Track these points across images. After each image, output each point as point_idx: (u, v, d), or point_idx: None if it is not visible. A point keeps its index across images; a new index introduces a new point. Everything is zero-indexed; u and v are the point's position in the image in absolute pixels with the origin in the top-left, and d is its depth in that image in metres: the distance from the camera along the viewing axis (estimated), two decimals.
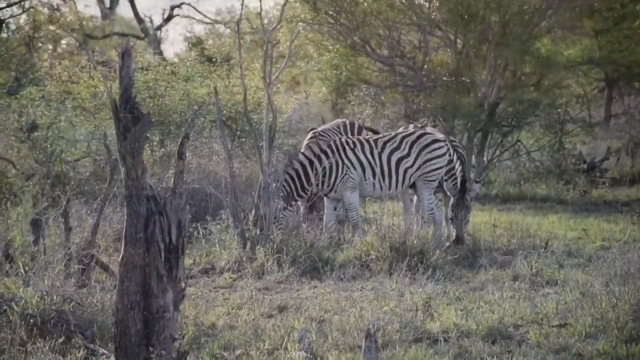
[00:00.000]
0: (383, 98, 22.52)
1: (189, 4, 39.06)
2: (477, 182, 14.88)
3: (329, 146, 14.54)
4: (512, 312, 10.24)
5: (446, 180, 14.61)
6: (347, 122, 15.81)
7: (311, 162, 14.47)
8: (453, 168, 14.79)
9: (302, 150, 14.83)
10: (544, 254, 13.12)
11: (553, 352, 9.05)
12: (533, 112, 21.99)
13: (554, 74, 21.86)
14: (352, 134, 15.56)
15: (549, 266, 12.45)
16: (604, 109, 32.77)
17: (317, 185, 14.47)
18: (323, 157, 14.46)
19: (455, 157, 14.79)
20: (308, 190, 14.54)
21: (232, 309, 10.56)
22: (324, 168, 14.51)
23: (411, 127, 15.71)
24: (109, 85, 9.33)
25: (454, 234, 14.45)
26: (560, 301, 10.55)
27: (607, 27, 25.62)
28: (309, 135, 15.53)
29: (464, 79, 22.01)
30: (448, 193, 14.63)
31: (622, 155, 25.54)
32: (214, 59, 17.39)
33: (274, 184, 13.51)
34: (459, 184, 14.63)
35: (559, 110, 22.91)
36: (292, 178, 14.35)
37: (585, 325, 9.56)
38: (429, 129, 15.56)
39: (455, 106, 20.95)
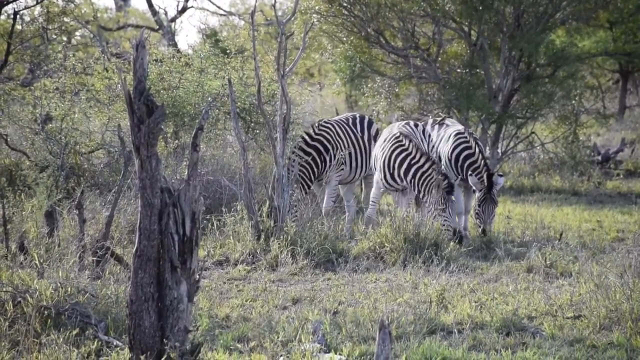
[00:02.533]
0: (397, 90, 22.48)
1: None
2: (500, 175, 14.75)
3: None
4: (526, 304, 10.23)
5: (471, 174, 14.48)
6: (357, 115, 15.77)
7: (327, 150, 14.67)
8: (476, 162, 14.62)
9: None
10: (558, 246, 13.11)
11: (567, 343, 9.04)
12: (547, 104, 21.94)
13: (569, 65, 21.81)
14: (362, 128, 15.49)
15: (563, 258, 12.43)
16: (618, 100, 32.73)
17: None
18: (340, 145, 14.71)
19: (477, 150, 14.64)
20: (321, 179, 14.67)
21: (246, 301, 10.57)
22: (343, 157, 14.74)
23: (430, 121, 15.66)
24: (123, 77, 9.35)
25: (480, 228, 14.29)
26: (575, 293, 10.54)
27: (622, 18, 25.52)
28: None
29: (478, 70, 21.98)
30: (474, 188, 14.48)
31: (636, 146, 25.49)
32: (228, 51, 17.37)
33: (289, 175, 13.53)
34: (485, 178, 14.45)
35: (574, 101, 22.85)
36: (309, 165, 14.51)
37: (599, 316, 9.55)
38: (449, 121, 15.53)
39: (469, 98, 20.92)
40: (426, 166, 14.25)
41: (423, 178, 14.19)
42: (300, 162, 14.63)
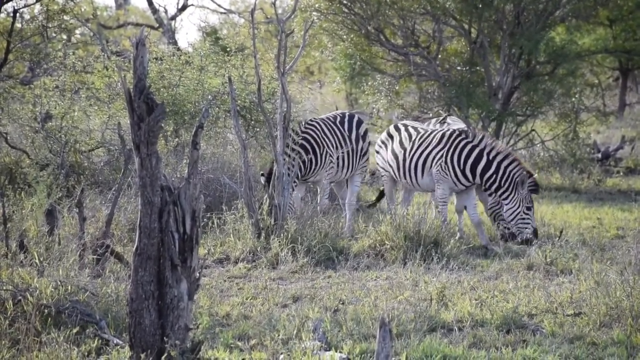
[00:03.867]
0: (397, 88, 22.47)
1: None
2: None
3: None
4: (526, 302, 10.24)
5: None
6: (346, 114, 15.57)
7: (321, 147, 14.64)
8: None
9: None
10: (558, 243, 13.12)
11: (567, 341, 9.04)
12: (547, 101, 21.93)
13: (569, 63, 21.81)
14: (349, 127, 15.24)
15: (563, 255, 12.44)
16: (618, 97, 32.73)
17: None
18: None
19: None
20: (309, 178, 14.62)
21: (246, 299, 10.58)
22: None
23: (433, 121, 15.64)
24: (123, 75, 9.34)
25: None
26: (575, 290, 10.54)
27: (622, 16, 25.55)
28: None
29: (478, 68, 21.98)
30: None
31: (636, 144, 25.49)
32: (228, 49, 17.37)
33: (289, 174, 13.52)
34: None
35: (574, 99, 22.84)
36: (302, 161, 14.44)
37: (599, 314, 9.55)
38: (450, 119, 15.51)
39: (469, 95, 20.92)
40: (508, 160, 14.17)
41: (507, 174, 14.14)
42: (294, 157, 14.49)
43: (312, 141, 14.63)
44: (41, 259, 9.65)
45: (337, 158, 14.92)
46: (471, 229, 14.83)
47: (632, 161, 23.58)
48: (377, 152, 15.09)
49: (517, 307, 9.87)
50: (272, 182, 13.33)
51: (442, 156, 14.22)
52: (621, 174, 22.56)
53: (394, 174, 14.67)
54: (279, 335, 8.79)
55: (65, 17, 18.18)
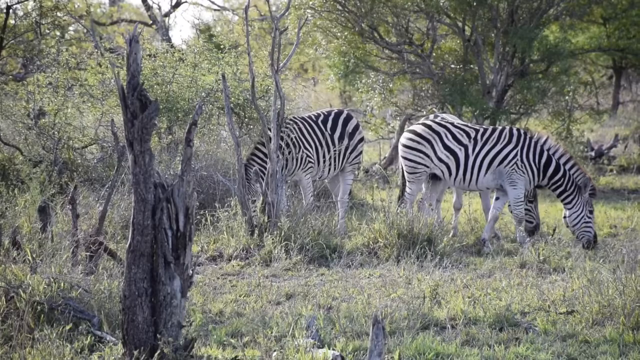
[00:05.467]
0: (391, 85, 22.47)
1: None
2: None
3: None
4: (519, 299, 10.25)
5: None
6: (334, 111, 15.50)
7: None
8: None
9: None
10: (551, 241, 13.13)
11: (560, 339, 9.06)
12: (541, 100, 21.95)
13: (562, 61, 21.82)
14: (333, 125, 15.14)
15: (556, 253, 12.46)
16: (612, 96, 32.77)
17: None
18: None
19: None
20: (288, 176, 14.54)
21: (239, 296, 10.58)
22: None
23: (431, 117, 15.62)
24: (116, 72, 9.33)
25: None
26: (567, 288, 10.56)
27: (616, 14, 25.53)
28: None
29: (472, 66, 21.99)
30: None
31: (629, 142, 25.53)
32: (222, 46, 17.36)
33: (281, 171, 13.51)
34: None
35: (567, 97, 22.88)
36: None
37: (592, 312, 9.57)
38: (449, 117, 15.49)
39: (463, 93, 20.92)
40: (571, 163, 14.13)
41: (573, 177, 14.09)
42: (262, 158, 14.38)
43: (289, 141, 14.52)
44: (34, 255, 9.63)
45: (319, 157, 14.82)
46: (464, 227, 14.84)
47: (625, 159, 23.62)
48: (413, 149, 14.38)
49: (510, 305, 9.88)
50: (265, 179, 13.32)
51: (516, 155, 14.15)
52: (614, 172, 22.59)
53: (448, 171, 14.27)
54: (272, 333, 8.79)
55: (59, 14, 18.17)
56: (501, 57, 21.53)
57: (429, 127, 14.40)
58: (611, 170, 22.70)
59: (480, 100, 20.98)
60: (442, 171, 14.26)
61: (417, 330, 9.23)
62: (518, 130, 14.26)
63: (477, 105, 20.91)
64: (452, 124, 14.42)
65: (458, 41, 22.17)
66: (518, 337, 9.10)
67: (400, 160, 14.48)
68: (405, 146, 14.41)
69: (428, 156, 14.28)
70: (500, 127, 14.37)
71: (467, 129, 14.32)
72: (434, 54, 22.12)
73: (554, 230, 14.21)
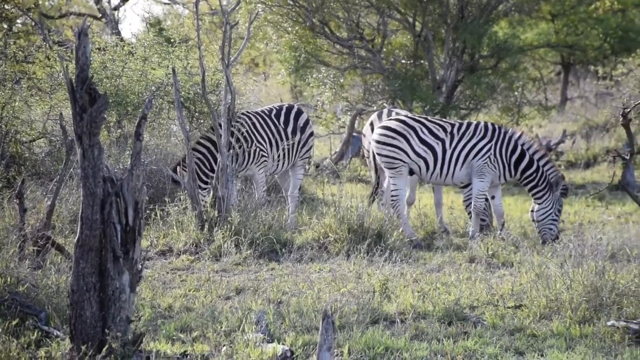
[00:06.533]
0: (342, 80, 22.52)
1: None
2: None
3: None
4: (468, 294, 10.31)
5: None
6: (285, 106, 15.50)
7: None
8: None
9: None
10: (500, 236, 13.22)
11: (508, 333, 9.13)
12: (490, 95, 22.11)
13: (511, 57, 22.01)
14: (286, 119, 15.14)
15: (504, 248, 12.55)
16: (560, 92, 33.05)
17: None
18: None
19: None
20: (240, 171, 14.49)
21: (189, 291, 10.54)
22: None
23: (385, 111, 15.64)
24: (65, 65, 9.25)
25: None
26: (516, 283, 10.64)
27: (564, 10, 25.82)
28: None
29: (422, 61, 22.09)
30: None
31: (577, 138, 25.78)
32: (172, 40, 17.27)
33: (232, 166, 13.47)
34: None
35: (516, 93, 23.06)
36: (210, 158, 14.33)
37: (539, 306, 9.66)
38: (402, 112, 15.52)
39: (413, 89, 21.02)
40: (545, 159, 14.23)
41: (546, 173, 14.16)
42: (204, 153, 14.34)
43: (239, 136, 14.48)
44: None
45: (273, 152, 14.81)
46: (415, 222, 14.90)
47: (573, 155, 23.84)
48: (388, 144, 14.31)
49: (459, 300, 9.94)
50: (216, 174, 13.28)
51: (490, 149, 14.21)
52: (562, 167, 22.80)
53: (425, 166, 14.24)
54: (221, 328, 8.77)
55: (6, 6, 17.97)
56: (451, 53, 21.64)
57: (404, 122, 14.38)
58: (559, 166, 22.90)
59: (431, 95, 21.08)
60: (419, 166, 14.26)
61: (367, 324, 9.26)
62: (493, 125, 14.37)
63: (427, 100, 21.01)
64: (426, 118, 14.46)
65: (408, 37, 22.26)
66: (467, 331, 9.15)
67: (376, 157, 14.39)
68: (379, 142, 14.34)
69: (404, 151, 14.25)
70: (475, 122, 14.46)
71: (442, 123, 14.38)
72: (384, 49, 22.20)
73: (503, 225, 14.30)
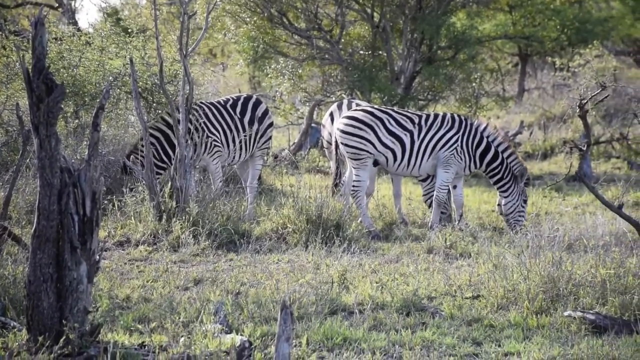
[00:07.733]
0: (300, 71, 22.49)
1: None
2: None
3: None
4: (426, 285, 10.36)
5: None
6: (243, 96, 15.43)
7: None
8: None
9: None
10: (457, 227, 13.29)
11: (465, 323, 9.18)
12: (448, 86, 22.19)
13: (469, 48, 22.09)
14: (243, 110, 15.08)
15: (462, 239, 12.61)
16: (517, 83, 33.23)
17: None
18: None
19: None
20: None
21: (147, 282, 10.51)
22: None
23: (345, 102, 15.61)
24: (21, 55, 9.17)
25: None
26: (474, 273, 10.70)
27: (521, 2, 25.94)
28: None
29: (380, 52, 22.12)
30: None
31: (534, 129, 25.94)
32: (129, 30, 17.16)
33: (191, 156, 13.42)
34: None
35: (474, 84, 23.15)
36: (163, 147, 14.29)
37: (497, 296, 9.72)
38: (362, 103, 15.51)
39: (371, 80, 21.04)
40: (509, 152, 14.29)
41: (510, 166, 14.23)
42: (153, 143, 14.26)
43: (197, 125, 14.41)
44: None
45: (228, 142, 14.73)
46: (373, 212, 14.93)
47: (531, 146, 23.98)
48: (354, 135, 14.20)
49: (417, 290, 9.99)
50: (174, 164, 13.23)
51: (457, 140, 14.22)
52: (520, 158, 22.92)
53: (393, 157, 14.19)
54: (179, 318, 8.75)
55: None
56: (409, 44, 21.69)
57: (370, 113, 14.31)
58: None
59: (389, 86, 21.12)
60: (386, 157, 14.21)
61: (325, 315, 9.28)
62: (459, 116, 14.41)
63: (386, 91, 21.05)
64: (392, 109, 14.45)
65: (367, 27, 22.28)
66: (425, 322, 9.20)
67: (340, 147, 14.32)
68: (345, 132, 14.22)
69: (371, 142, 14.17)
70: (441, 113, 14.49)
71: (409, 114, 14.38)
72: (342, 40, 22.20)
73: (461, 215, 14.37)
